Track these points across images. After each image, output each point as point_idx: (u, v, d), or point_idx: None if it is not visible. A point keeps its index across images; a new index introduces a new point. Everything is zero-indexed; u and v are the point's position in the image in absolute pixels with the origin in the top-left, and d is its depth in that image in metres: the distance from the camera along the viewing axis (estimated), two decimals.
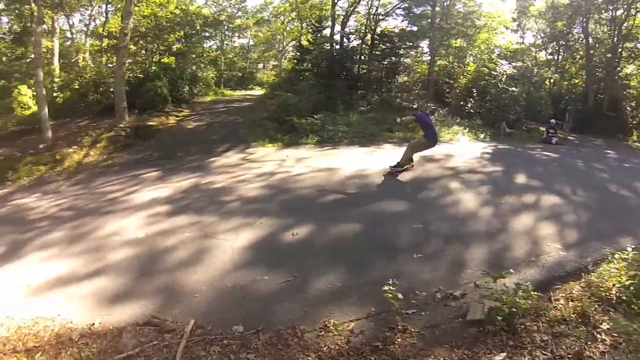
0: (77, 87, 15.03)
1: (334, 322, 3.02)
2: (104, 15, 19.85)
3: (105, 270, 3.96)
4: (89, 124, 13.27)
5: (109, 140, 11.92)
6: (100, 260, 4.19)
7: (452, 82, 17.56)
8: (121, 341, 2.75)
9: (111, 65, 16.18)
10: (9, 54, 20.84)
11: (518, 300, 2.81)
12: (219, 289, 3.51)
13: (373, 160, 8.28)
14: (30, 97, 16.35)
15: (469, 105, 15.60)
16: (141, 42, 17.20)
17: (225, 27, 25.40)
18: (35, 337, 2.90)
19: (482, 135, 13.04)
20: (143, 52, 17.72)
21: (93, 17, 21.61)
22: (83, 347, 2.68)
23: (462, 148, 10.56)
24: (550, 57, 21.59)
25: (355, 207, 5.46)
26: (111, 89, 14.12)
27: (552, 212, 5.41)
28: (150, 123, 13.15)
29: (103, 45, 18.09)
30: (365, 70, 17.05)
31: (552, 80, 20.86)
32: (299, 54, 18.01)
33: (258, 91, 24.04)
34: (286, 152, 9.46)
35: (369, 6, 16.89)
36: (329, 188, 6.32)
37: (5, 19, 21.75)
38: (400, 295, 2.96)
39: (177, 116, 14.37)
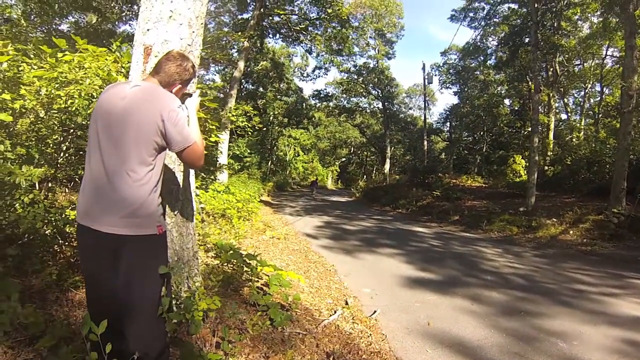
0: (568, 162, 16.00)
1: None
2: (599, 94, 19.85)
3: None
4: (575, 201, 13.66)
5: (595, 223, 11.63)
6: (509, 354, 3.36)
7: None
8: None
9: (609, 145, 15.77)
10: (509, 129, 26.22)
11: None
12: None
13: None
14: (522, 167, 19.67)
15: None
16: None
17: None
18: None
19: None
20: None
21: (588, 97, 22.21)
22: None
23: None
24: None
25: None
26: (606, 170, 13.71)
27: None
28: None
29: (598, 123, 18.10)
30: None
31: None
32: None
33: None
34: None
35: None
36: None
37: (507, 102, 27.67)
38: None
39: None
